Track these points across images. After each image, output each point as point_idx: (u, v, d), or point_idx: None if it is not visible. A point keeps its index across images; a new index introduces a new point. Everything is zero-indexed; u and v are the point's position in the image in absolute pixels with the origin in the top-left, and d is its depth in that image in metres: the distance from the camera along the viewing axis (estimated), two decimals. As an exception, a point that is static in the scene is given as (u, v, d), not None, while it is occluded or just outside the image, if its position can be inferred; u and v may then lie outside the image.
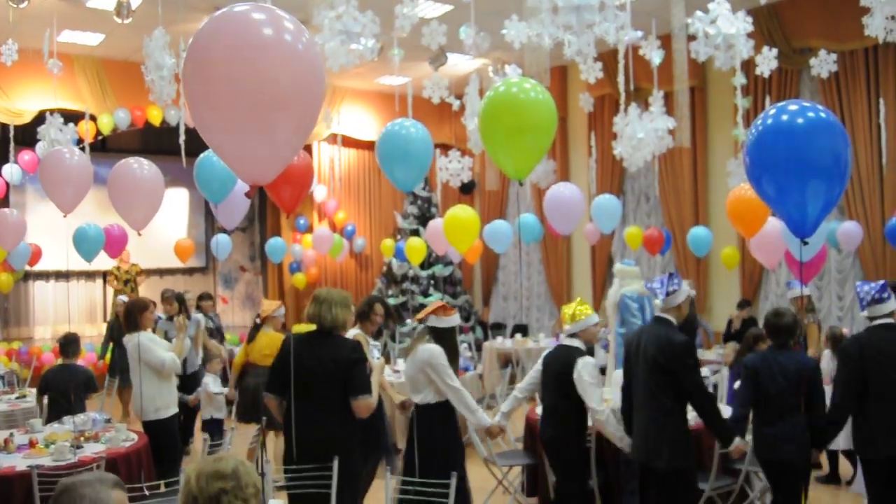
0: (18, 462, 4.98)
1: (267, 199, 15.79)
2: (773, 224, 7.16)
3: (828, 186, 3.40)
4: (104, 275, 13.90)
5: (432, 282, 13.19)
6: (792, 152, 3.40)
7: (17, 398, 7.54)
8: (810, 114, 3.46)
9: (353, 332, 5.68)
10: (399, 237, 13.76)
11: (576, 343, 5.29)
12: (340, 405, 4.45)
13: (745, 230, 7.27)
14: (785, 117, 3.48)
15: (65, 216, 6.63)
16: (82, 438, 5.53)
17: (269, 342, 6.87)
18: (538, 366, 5.49)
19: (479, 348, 12.37)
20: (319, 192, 15.41)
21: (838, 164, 3.42)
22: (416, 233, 13.30)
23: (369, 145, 15.42)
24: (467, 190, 15.88)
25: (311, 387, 4.39)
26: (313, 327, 4.66)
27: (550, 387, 5.35)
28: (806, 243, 3.49)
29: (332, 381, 4.44)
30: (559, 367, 5.25)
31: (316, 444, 4.40)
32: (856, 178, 10.07)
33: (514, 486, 6.33)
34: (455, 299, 13.18)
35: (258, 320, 7.26)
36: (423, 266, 12.96)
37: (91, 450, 5.29)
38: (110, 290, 13.64)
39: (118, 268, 12.82)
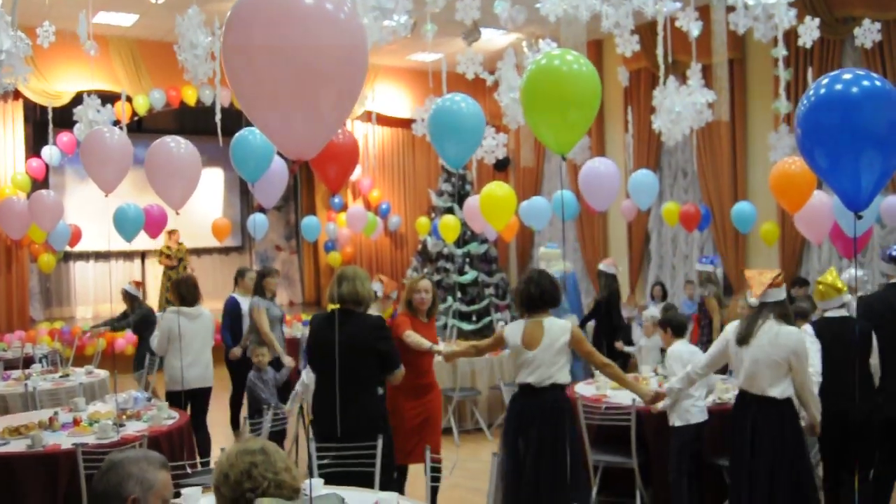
0: (63, 440, 5.04)
1: (301, 177, 15.83)
2: (819, 198, 7.01)
3: (884, 157, 3.27)
4: (142, 255, 14.03)
5: (468, 259, 13.13)
6: (846, 122, 3.26)
7: (60, 377, 7.64)
8: (865, 82, 3.33)
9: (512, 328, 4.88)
10: (434, 215, 13.70)
11: (846, 312, 5.00)
12: (370, 382, 4.55)
13: (790, 205, 7.11)
14: (838, 86, 3.36)
15: (106, 196, 6.68)
16: (124, 417, 5.60)
17: None
18: (816, 344, 4.81)
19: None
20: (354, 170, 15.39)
21: (895, 133, 3.29)
22: (450, 210, 13.23)
23: (403, 123, 15.36)
24: (502, 167, 15.77)
25: (341, 364, 4.41)
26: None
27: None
28: (860, 217, 3.38)
29: (362, 359, 4.50)
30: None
31: (350, 422, 4.44)
32: (901, 150, 9.81)
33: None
34: (490, 277, 13.11)
35: None
36: (458, 244, 12.89)
37: (133, 428, 5.34)
38: (150, 270, 13.78)
39: (168, 247, 12.92)
